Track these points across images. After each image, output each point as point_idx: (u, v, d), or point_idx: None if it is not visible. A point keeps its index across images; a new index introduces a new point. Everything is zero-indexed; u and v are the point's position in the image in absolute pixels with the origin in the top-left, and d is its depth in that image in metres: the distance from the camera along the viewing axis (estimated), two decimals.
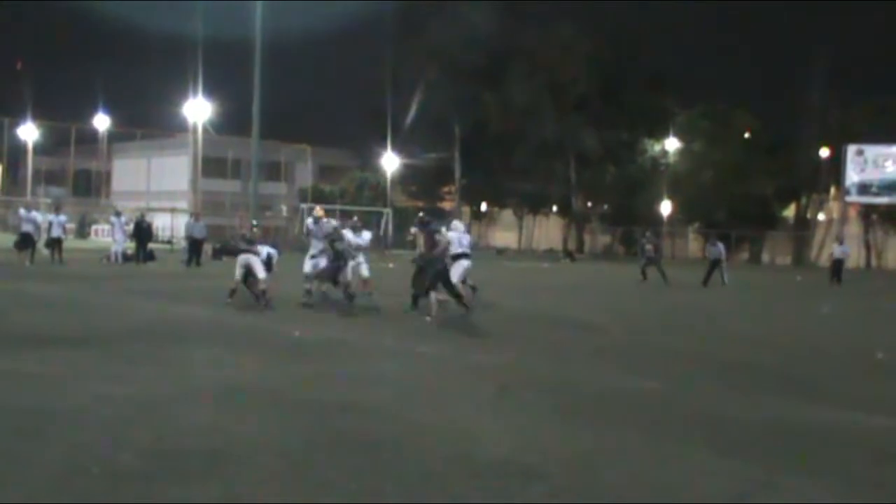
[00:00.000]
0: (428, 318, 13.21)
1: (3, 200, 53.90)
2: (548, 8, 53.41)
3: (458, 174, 58.94)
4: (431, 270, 13.82)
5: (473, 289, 15.76)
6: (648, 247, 26.74)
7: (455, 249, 14.22)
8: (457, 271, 14.15)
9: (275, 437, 5.92)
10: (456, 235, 14.54)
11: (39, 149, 65.94)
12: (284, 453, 5.49)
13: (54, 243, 25.15)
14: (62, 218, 26.42)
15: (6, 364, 8.32)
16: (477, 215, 65.69)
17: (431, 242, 14.41)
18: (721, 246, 26.37)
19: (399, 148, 56.93)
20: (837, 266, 29.72)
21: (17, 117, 61.54)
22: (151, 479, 4.86)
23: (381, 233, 43.94)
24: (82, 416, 6.33)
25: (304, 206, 49.75)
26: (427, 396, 7.69)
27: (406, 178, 61.43)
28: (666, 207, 57.49)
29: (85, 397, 6.99)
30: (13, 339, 10.11)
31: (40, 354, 8.98)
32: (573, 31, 53.60)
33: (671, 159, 58.64)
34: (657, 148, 58.88)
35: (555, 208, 65.66)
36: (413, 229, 16.08)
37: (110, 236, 31.78)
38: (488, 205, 67.79)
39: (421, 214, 16.69)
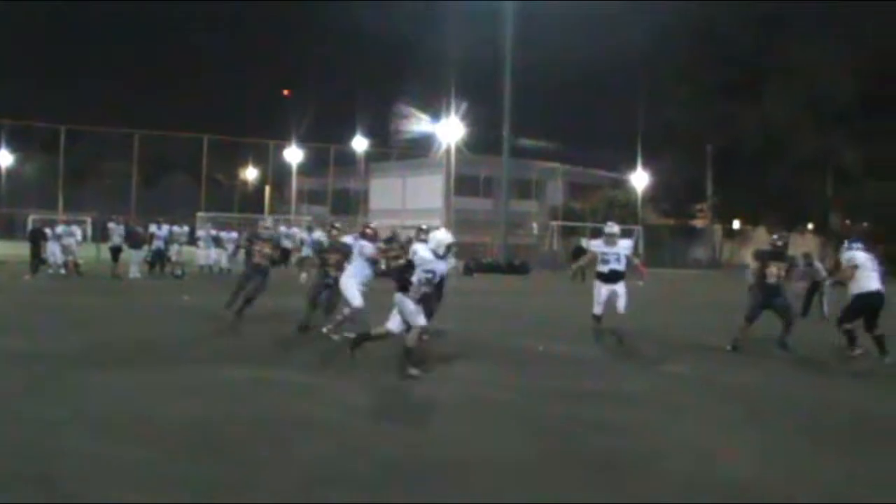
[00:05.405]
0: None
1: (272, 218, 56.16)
2: (807, 19, 52.46)
3: (709, 191, 59.08)
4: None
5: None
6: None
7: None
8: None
9: (514, 450, 6.12)
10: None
11: (302, 169, 69.56)
12: (522, 465, 5.67)
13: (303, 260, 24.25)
14: (317, 235, 26.50)
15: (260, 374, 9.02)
16: (729, 234, 64.32)
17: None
18: None
19: (651, 166, 58.28)
20: None
21: (283, 140, 66.63)
22: (383, 487, 5.07)
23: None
24: (322, 426, 6.71)
25: (553, 223, 51.95)
26: (670, 415, 7.68)
27: (657, 196, 62.18)
28: None
29: (333, 407, 7.41)
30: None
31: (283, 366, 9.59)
32: (835, 44, 51.27)
33: None
34: None
35: (810, 226, 62.40)
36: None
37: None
38: (741, 223, 65.85)
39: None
